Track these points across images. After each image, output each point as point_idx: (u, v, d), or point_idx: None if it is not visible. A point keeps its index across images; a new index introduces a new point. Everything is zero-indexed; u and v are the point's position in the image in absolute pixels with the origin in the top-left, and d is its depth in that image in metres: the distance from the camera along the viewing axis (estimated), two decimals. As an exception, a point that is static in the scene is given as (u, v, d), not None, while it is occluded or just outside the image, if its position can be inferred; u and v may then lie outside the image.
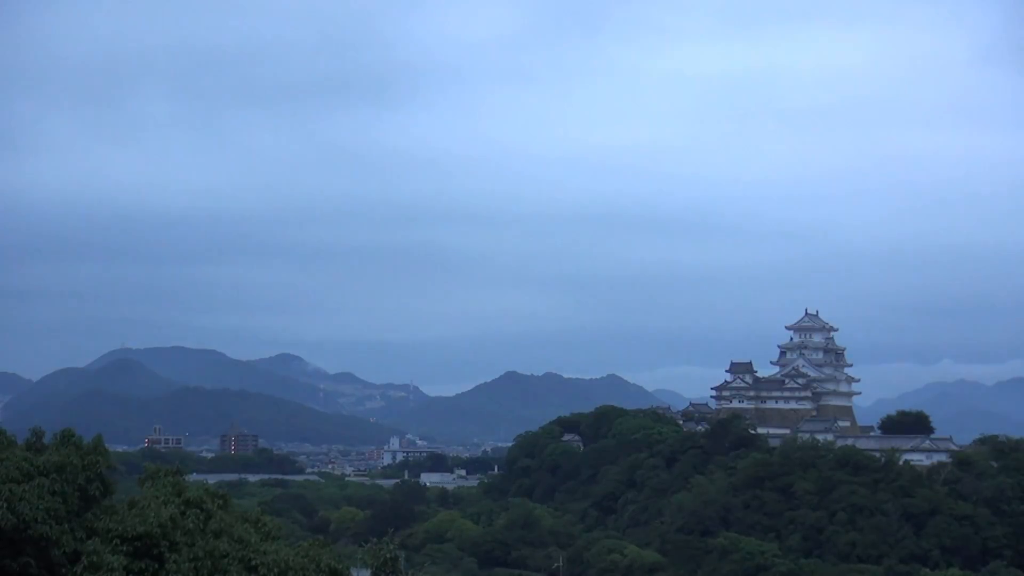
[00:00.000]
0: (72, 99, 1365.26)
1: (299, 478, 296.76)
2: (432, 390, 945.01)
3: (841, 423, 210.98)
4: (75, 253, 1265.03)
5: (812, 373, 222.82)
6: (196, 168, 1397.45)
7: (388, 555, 32.96)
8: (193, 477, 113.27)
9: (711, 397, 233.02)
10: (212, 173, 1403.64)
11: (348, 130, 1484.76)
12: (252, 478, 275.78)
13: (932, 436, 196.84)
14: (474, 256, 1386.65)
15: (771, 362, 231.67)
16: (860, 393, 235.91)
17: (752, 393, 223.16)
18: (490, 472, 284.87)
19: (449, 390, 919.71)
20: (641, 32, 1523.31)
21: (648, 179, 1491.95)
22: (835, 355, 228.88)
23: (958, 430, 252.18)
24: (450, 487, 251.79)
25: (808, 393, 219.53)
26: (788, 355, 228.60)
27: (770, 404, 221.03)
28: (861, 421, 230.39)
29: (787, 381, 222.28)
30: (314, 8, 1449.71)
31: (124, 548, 30.17)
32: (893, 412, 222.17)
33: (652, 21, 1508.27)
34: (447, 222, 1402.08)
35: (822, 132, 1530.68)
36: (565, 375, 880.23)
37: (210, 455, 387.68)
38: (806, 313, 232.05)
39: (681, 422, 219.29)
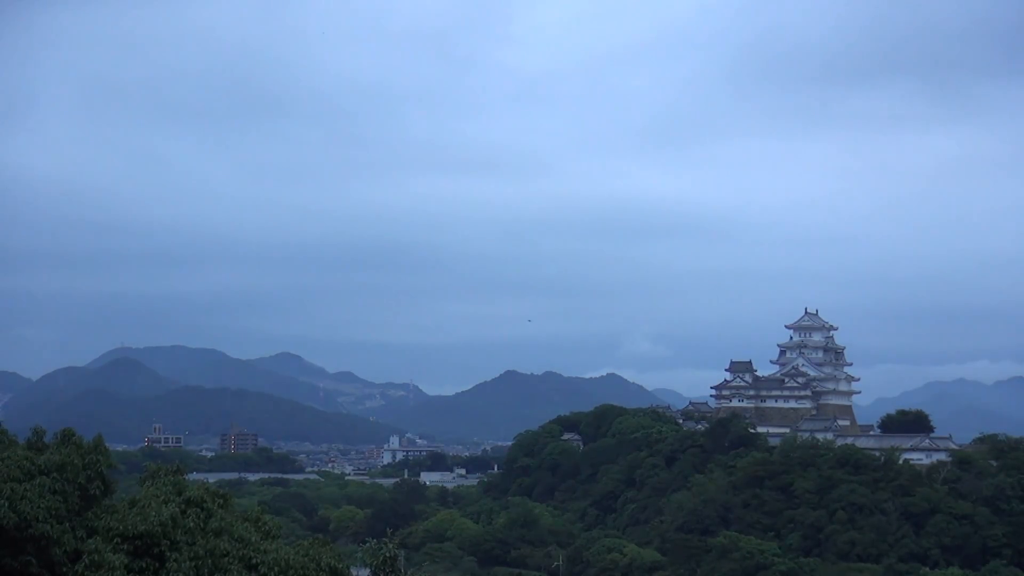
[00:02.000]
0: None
1: (299, 477, 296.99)
2: (432, 389, 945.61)
3: (841, 422, 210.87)
4: (71, 255, 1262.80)
5: (812, 372, 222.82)
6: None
7: (387, 554, 33.03)
8: (193, 476, 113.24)
9: (711, 396, 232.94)
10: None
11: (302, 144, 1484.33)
12: (252, 477, 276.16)
13: (932, 435, 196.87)
14: (472, 257, 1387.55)
15: (771, 361, 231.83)
16: (860, 392, 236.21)
17: (752, 392, 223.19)
18: (490, 471, 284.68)
19: (449, 389, 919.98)
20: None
21: (640, 184, 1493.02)
22: (835, 354, 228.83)
23: (958, 429, 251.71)
24: (450, 486, 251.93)
25: (808, 392, 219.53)
26: (788, 354, 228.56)
27: (770, 403, 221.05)
28: (861, 420, 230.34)
29: (787, 380, 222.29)
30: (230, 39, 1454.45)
31: (125, 547, 30.27)
32: (893, 411, 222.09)
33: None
34: (441, 224, 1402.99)
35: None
36: (565, 374, 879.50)
37: (210, 454, 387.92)
38: (806, 312, 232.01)
39: (681, 421, 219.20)
